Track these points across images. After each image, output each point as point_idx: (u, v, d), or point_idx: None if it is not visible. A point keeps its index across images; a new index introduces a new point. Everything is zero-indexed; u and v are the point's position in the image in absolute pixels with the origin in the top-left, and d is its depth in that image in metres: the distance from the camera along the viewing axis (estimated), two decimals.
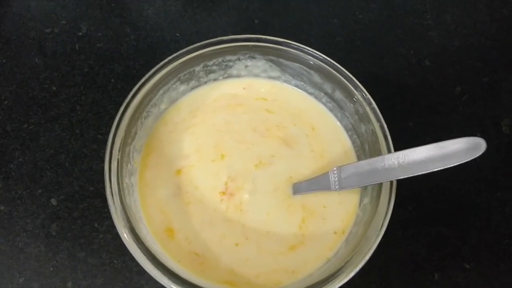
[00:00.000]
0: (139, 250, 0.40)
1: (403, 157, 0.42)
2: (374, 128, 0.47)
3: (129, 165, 0.47)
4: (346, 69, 0.50)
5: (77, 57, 0.62)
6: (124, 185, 0.44)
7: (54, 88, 0.60)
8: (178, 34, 0.65)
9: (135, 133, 0.48)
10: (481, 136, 0.39)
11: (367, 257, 0.41)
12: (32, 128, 0.57)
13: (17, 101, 0.59)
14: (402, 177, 0.42)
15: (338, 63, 0.50)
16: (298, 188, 0.49)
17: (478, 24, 0.68)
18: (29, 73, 0.61)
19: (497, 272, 0.52)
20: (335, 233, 0.48)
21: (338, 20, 0.67)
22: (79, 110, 0.58)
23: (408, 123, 0.60)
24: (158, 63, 0.49)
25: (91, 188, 0.54)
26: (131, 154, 0.48)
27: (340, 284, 0.40)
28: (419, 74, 0.64)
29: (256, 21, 0.66)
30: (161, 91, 0.50)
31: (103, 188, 0.48)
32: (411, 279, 0.52)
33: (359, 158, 0.51)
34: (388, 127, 0.47)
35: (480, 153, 0.38)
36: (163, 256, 0.44)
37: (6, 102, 0.59)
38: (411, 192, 0.53)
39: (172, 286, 0.40)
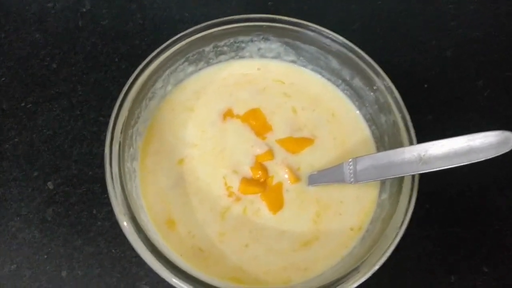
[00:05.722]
0: (139, 240, 0.38)
1: (425, 150, 0.39)
2: (396, 119, 0.44)
3: (131, 149, 0.44)
4: None
5: (80, 34, 0.59)
6: (126, 169, 0.42)
7: (55, 66, 0.57)
8: (186, 14, 0.61)
9: (139, 115, 0.45)
10: None
11: (385, 257, 0.39)
12: (30, 107, 0.54)
13: (15, 78, 0.56)
14: (423, 172, 0.39)
15: None
16: (313, 179, 0.46)
17: (502, 15, 0.65)
18: (28, 49, 0.58)
19: None
20: (351, 229, 0.45)
21: (357, 6, 0.64)
22: (80, 90, 0.55)
23: (427, 116, 0.57)
24: (164, 43, 0.46)
25: (90, 173, 0.51)
26: (134, 137, 0.45)
27: (355, 285, 0.38)
28: (439, 66, 0.61)
29: (269, 3, 0.63)
30: (167, 72, 0.47)
31: (103, 173, 0.45)
32: (426, 281, 0.49)
33: (378, 151, 0.48)
34: None
35: (509, 149, 0.35)
36: (164, 248, 0.41)
37: (3, 79, 0.56)
38: (429, 189, 0.50)
39: (173, 279, 0.37)
